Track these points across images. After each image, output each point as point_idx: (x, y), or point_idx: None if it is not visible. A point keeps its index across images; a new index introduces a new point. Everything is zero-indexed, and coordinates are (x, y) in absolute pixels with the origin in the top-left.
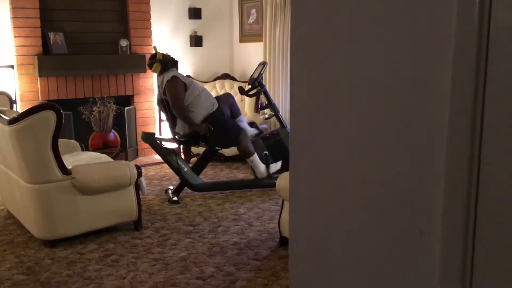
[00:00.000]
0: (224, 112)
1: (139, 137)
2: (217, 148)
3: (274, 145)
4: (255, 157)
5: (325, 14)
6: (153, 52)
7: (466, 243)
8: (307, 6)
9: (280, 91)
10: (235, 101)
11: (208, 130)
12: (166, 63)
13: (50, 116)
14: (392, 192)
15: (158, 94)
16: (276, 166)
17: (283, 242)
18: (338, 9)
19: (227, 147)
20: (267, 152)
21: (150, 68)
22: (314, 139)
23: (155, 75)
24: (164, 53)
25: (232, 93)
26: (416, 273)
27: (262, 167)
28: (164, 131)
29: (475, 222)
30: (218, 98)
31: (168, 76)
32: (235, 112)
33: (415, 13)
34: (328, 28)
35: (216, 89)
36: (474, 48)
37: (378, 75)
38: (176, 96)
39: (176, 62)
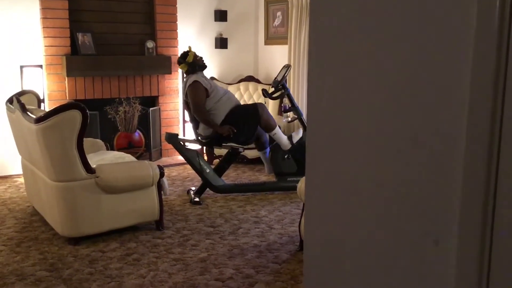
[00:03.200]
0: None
1: (163, 138)
2: (240, 150)
3: (297, 148)
4: (278, 129)
5: (342, 18)
6: (187, 50)
7: (482, 253)
8: (325, 10)
9: (303, 94)
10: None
11: (231, 131)
12: (194, 67)
13: (76, 116)
14: (407, 199)
15: (183, 95)
16: (297, 135)
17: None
18: (356, 15)
19: (254, 131)
20: (288, 155)
21: (179, 64)
22: (329, 143)
23: (180, 76)
24: (197, 56)
25: (255, 95)
26: (431, 282)
27: (284, 138)
28: (187, 132)
29: (491, 232)
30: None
31: (190, 80)
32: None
33: (434, 18)
34: (345, 33)
35: (240, 91)
36: (493, 52)
37: (395, 80)
38: (197, 101)
39: (204, 67)
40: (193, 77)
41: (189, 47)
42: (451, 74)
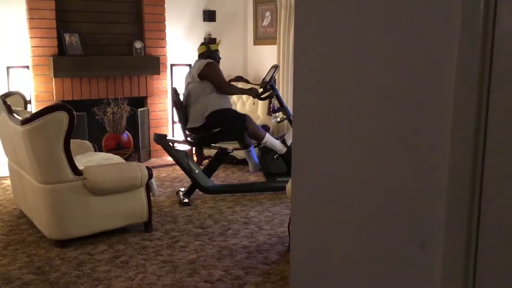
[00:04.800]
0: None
1: (152, 139)
2: (229, 151)
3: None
4: (268, 137)
5: (328, 19)
6: (215, 43)
7: (468, 255)
8: (311, 11)
9: (292, 94)
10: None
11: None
12: (210, 54)
13: (62, 117)
14: (393, 202)
15: (186, 80)
16: (289, 137)
17: None
18: (341, 15)
19: (240, 136)
20: (277, 155)
21: (200, 45)
22: (315, 146)
23: (169, 77)
24: (218, 51)
25: (244, 96)
26: (417, 285)
27: (277, 143)
28: (176, 132)
29: (477, 234)
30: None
31: (204, 61)
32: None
33: (419, 19)
34: (331, 34)
35: None
36: (478, 54)
37: (381, 82)
38: (218, 78)
39: (218, 60)
40: (207, 60)
41: (219, 40)
42: (436, 77)
